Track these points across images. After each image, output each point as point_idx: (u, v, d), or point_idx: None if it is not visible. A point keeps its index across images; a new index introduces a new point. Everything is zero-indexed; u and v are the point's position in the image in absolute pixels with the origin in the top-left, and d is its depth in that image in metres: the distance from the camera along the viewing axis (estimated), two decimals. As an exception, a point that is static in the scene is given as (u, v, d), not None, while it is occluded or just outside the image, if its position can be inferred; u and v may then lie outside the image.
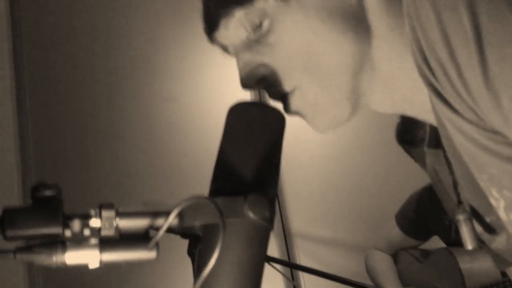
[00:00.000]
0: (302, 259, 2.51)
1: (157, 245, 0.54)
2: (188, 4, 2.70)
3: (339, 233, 2.54)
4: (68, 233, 0.52)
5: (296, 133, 2.62)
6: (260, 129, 0.59)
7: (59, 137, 2.63)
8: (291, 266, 2.07)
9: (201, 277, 0.51)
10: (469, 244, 0.70)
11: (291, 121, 2.41)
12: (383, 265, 1.94)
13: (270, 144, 0.59)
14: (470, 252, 1.64)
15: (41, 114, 2.66)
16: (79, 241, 0.52)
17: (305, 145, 2.65)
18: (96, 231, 0.53)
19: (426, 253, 1.83)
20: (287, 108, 0.68)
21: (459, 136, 0.57)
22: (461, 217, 0.71)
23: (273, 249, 2.46)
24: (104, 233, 0.53)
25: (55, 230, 0.51)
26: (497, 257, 0.79)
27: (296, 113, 0.69)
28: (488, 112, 0.52)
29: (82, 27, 2.75)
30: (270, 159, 0.59)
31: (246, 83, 0.67)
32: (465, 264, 1.62)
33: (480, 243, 0.74)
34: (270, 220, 0.56)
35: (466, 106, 0.53)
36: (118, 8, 2.78)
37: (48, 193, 0.52)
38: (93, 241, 0.53)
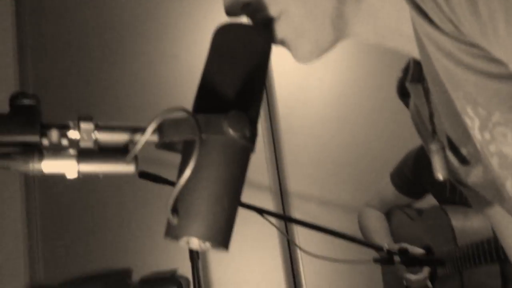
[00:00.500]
0: (297, 217, 2.53)
1: (136, 160, 0.54)
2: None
3: (335, 193, 2.55)
4: (45, 142, 0.51)
5: (296, 93, 2.63)
6: (245, 48, 0.58)
7: (62, 86, 2.63)
8: (285, 219, 2.08)
9: (176, 189, 0.50)
10: (440, 174, 0.70)
11: (292, 81, 2.39)
12: (376, 222, 1.95)
13: (255, 65, 0.58)
14: (463, 211, 1.65)
15: (44, 66, 2.65)
16: (57, 151, 0.52)
17: (304, 105, 2.65)
18: (74, 143, 0.52)
19: (419, 211, 1.84)
20: (272, 36, 0.67)
21: (437, 53, 0.57)
22: (433, 147, 0.71)
23: (269, 206, 2.47)
24: (82, 144, 0.52)
25: (32, 138, 0.51)
26: (474, 197, 0.79)
27: (281, 41, 0.68)
28: (465, 20, 0.51)
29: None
30: (254, 79, 0.58)
31: (230, 10, 0.66)
32: (458, 222, 1.62)
33: (453, 177, 0.74)
34: (251, 140, 0.55)
35: (444, 17, 0.53)
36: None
37: (26, 102, 0.52)
38: (72, 152, 0.52)
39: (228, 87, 0.56)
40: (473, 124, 0.60)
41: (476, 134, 0.60)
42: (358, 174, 2.54)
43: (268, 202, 2.54)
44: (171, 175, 1.49)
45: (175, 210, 0.53)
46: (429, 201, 1.88)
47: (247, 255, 2.46)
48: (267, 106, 2.65)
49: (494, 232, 1.58)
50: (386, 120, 2.55)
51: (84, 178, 0.53)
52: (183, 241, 0.54)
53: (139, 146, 0.52)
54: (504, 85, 0.55)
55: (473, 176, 0.71)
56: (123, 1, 2.71)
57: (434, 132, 0.72)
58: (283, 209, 2.55)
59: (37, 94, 0.53)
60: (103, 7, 2.71)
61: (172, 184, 1.61)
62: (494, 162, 0.61)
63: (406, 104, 1.66)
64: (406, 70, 1.65)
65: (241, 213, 1.92)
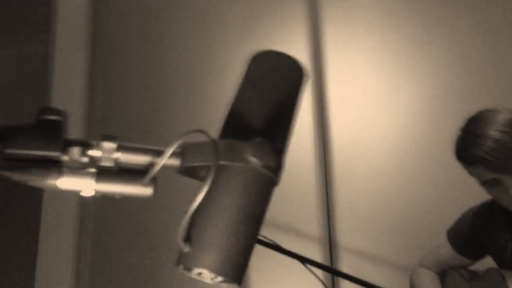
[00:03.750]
0: (345, 271, 2.43)
1: (154, 182, 0.53)
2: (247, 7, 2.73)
3: (386, 250, 2.45)
4: (66, 158, 0.51)
5: (354, 143, 2.59)
6: (278, 77, 0.57)
7: (125, 107, 2.72)
8: (330, 271, 2.00)
9: (186, 216, 0.48)
10: None
11: (350, 130, 2.34)
12: (429, 283, 1.83)
13: (287, 94, 0.56)
14: (523, 277, 1.52)
15: (113, 84, 2.76)
16: (76, 168, 0.51)
17: (361, 155, 2.59)
18: (94, 161, 0.52)
19: (476, 274, 1.72)
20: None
21: None
22: None
23: (317, 259, 2.40)
24: (102, 163, 0.52)
25: (53, 153, 0.50)
26: None
27: None
28: None
29: (155, 25, 2.84)
30: (285, 109, 0.56)
31: None
32: (516, 288, 1.50)
33: None
34: (275, 172, 0.53)
35: None
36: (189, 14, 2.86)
37: (52, 117, 0.52)
38: (91, 170, 0.52)
39: (256, 115, 0.55)
40: None
41: None
42: (413, 231, 2.43)
43: (315, 252, 2.46)
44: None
45: (188, 237, 0.51)
46: (487, 263, 1.76)
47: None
48: (324, 154, 2.61)
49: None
50: (447, 176, 2.45)
51: (103, 197, 0.52)
52: (194, 272, 0.51)
53: (157, 168, 0.51)
54: None
55: None
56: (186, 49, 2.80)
57: None
58: (331, 262, 2.46)
59: (66, 111, 0.53)
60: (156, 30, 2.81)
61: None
62: None
63: (464, 166, 1.58)
64: (464, 130, 1.57)
65: (286, 262, 1.85)
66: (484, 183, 1.52)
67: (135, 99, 2.75)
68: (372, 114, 2.64)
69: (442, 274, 1.85)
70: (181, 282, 2.43)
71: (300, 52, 2.71)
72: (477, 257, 1.77)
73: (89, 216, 2.53)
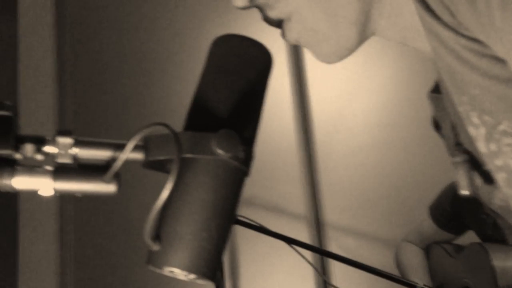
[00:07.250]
0: (333, 250, 2.44)
1: (118, 178, 0.50)
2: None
3: (372, 225, 2.45)
4: (19, 156, 0.48)
5: (334, 120, 2.57)
6: (242, 63, 0.53)
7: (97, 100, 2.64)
8: (317, 251, 1.99)
9: (152, 212, 0.45)
10: (465, 189, 0.63)
11: (330, 108, 2.32)
12: (413, 258, 1.84)
13: (252, 81, 0.53)
14: (505, 249, 1.53)
15: (83, 75, 2.68)
16: (32, 167, 0.48)
17: (343, 134, 2.58)
18: (51, 158, 0.49)
19: (459, 248, 1.72)
20: (283, 35, 0.62)
21: (441, 49, 0.51)
22: (458, 159, 0.64)
23: (305, 238, 2.39)
24: (59, 160, 0.49)
25: (4, 151, 0.47)
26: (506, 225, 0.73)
27: (296, 41, 0.63)
28: (462, 7, 0.46)
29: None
30: (251, 96, 0.53)
31: (237, 3, 0.61)
32: (498, 262, 1.50)
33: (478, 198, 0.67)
34: (245, 163, 0.50)
35: (442, 4, 0.48)
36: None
37: (1, 112, 0.48)
38: (48, 168, 0.49)
39: (221, 104, 0.52)
40: (478, 133, 0.54)
41: (481, 146, 0.54)
42: (398, 206, 2.44)
43: (302, 232, 2.45)
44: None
45: (157, 235, 0.48)
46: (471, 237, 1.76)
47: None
48: (305, 132, 2.59)
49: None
50: (428, 150, 2.45)
51: (65, 197, 0.49)
52: (166, 271, 0.49)
53: (119, 164, 0.48)
54: None
55: (497, 198, 0.64)
56: (161, 26, 2.73)
57: (458, 143, 0.66)
58: (319, 241, 2.46)
59: (15, 105, 0.50)
60: (140, 33, 2.74)
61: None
62: (500, 178, 0.54)
63: (440, 136, 1.57)
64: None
65: (275, 243, 1.83)
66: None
67: (107, 89, 2.67)
68: (352, 90, 2.61)
69: (427, 249, 1.85)
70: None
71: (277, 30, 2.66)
72: (459, 232, 1.77)
73: (69, 212, 2.48)
